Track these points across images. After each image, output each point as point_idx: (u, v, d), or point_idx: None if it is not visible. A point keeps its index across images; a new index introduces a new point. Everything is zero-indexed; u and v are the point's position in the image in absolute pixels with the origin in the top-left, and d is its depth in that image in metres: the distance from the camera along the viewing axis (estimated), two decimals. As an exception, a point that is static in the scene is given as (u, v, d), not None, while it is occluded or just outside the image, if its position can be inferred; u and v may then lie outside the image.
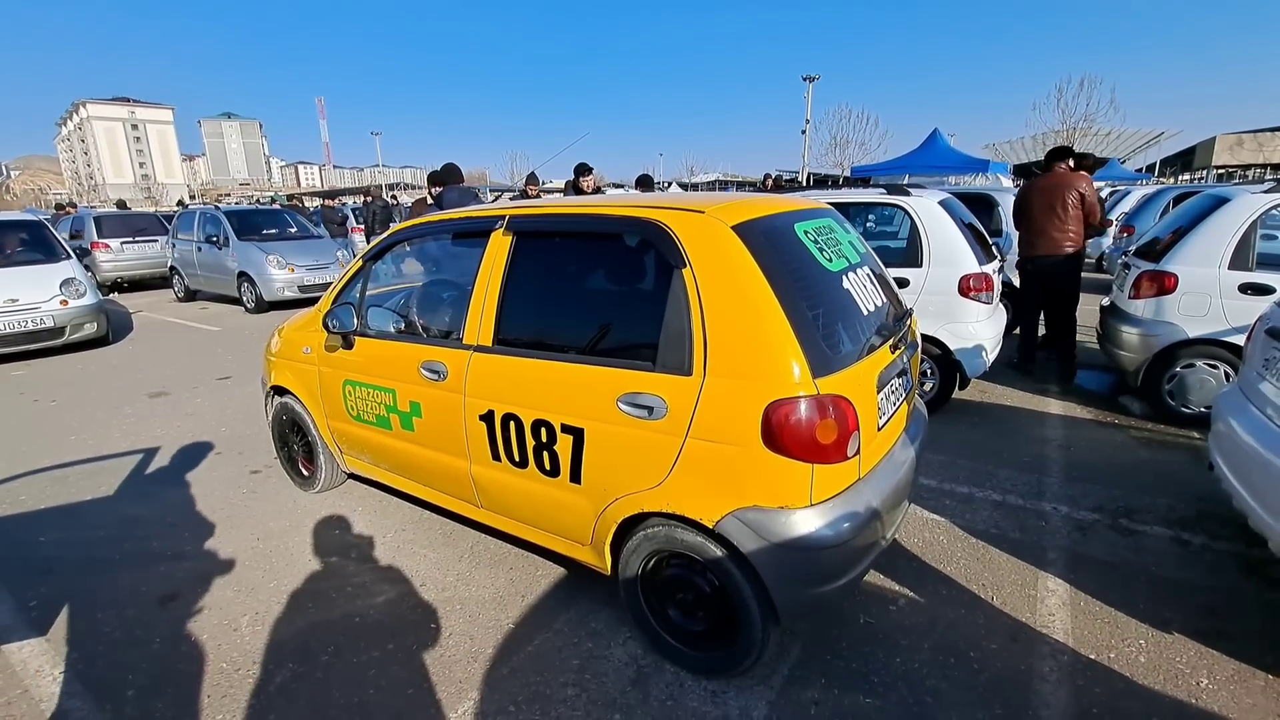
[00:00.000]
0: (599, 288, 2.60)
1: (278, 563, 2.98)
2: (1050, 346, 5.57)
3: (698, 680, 2.18)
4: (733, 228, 2.02)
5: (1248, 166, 34.74)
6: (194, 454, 4.29)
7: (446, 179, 6.08)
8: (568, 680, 2.21)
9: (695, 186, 39.79)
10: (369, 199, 12.60)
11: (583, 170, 7.65)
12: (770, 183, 14.29)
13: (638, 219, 2.17)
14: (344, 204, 19.28)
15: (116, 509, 3.54)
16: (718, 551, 1.99)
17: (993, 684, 2.14)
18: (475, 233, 2.70)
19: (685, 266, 2.01)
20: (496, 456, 2.49)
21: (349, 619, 2.56)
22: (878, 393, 2.12)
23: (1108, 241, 11.14)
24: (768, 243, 2.06)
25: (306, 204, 19.06)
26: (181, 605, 2.68)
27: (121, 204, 18.67)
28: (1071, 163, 5.18)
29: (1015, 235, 6.26)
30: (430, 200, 6.51)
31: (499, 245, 2.52)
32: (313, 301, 3.91)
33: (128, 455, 4.27)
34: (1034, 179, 5.25)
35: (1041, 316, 5.54)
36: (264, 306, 9.67)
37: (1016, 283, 6.17)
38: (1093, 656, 2.26)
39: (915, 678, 2.17)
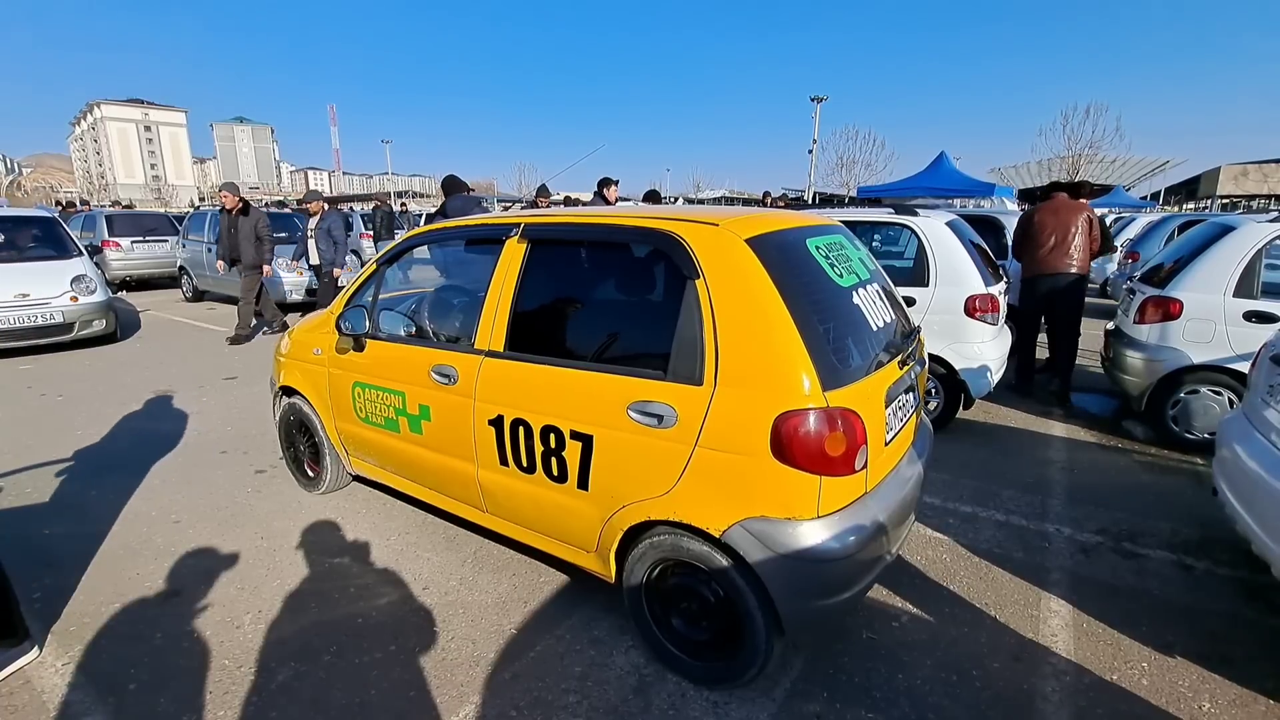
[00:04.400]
0: (611, 296, 2.64)
1: (281, 562, 2.99)
2: (1052, 369, 5.58)
3: (700, 690, 2.18)
4: (746, 241, 2.05)
5: (1252, 197, 34.92)
6: (199, 452, 4.31)
7: (449, 189, 6.22)
8: (569, 687, 2.21)
9: (701, 202, 40.02)
10: (377, 206, 12.80)
11: (607, 182, 7.92)
12: (770, 201, 14.36)
13: (652, 230, 2.20)
14: (352, 209, 19.50)
15: (121, 504, 3.55)
16: (723, 561, 2.00)
17: (995, 702, 2.14)
18: (489, 239, 2.74)
19: (699, 278, 2.04)
20: (504, 461, 2.50)
21: (351, 619, 2.57)
22: (886, 408, 2.13)
23: (1112, 267, 11.20)
24: (780, 256, 2.09)
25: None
26: (184, 602, 2.69)
27: (125, 204, 18.82)
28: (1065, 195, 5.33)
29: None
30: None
31: (513, 252, 2.55)
32: (319, 305, 3.94)
33: (133, 451, 4.29)
34: (1046, 202, 5.32)
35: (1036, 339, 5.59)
36: (271, 308, 9.72)
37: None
38: (1095, 678, 2.26)
39: (918, 694, 2.17)
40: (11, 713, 2.11)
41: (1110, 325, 5.05)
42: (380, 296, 3.16)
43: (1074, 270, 5.08)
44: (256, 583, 2.83)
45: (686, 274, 2.07)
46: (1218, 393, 4.18)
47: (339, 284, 7.88)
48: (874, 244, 5.90)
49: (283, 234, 10.75)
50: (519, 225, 2.59)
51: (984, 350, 4.39)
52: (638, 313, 2.55)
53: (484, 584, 2.81)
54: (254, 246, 7.66)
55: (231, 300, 10.78)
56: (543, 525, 2.52)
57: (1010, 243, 6.83)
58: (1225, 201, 34.76)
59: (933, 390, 4.56)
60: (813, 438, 1.84)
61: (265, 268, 7.81)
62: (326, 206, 8.13)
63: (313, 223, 8.05)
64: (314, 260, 8.17)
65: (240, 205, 7.74)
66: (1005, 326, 4.83)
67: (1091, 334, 5.37)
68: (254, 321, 7.94)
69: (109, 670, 2.30)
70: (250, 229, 7.63)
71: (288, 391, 3.62)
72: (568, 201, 11.07)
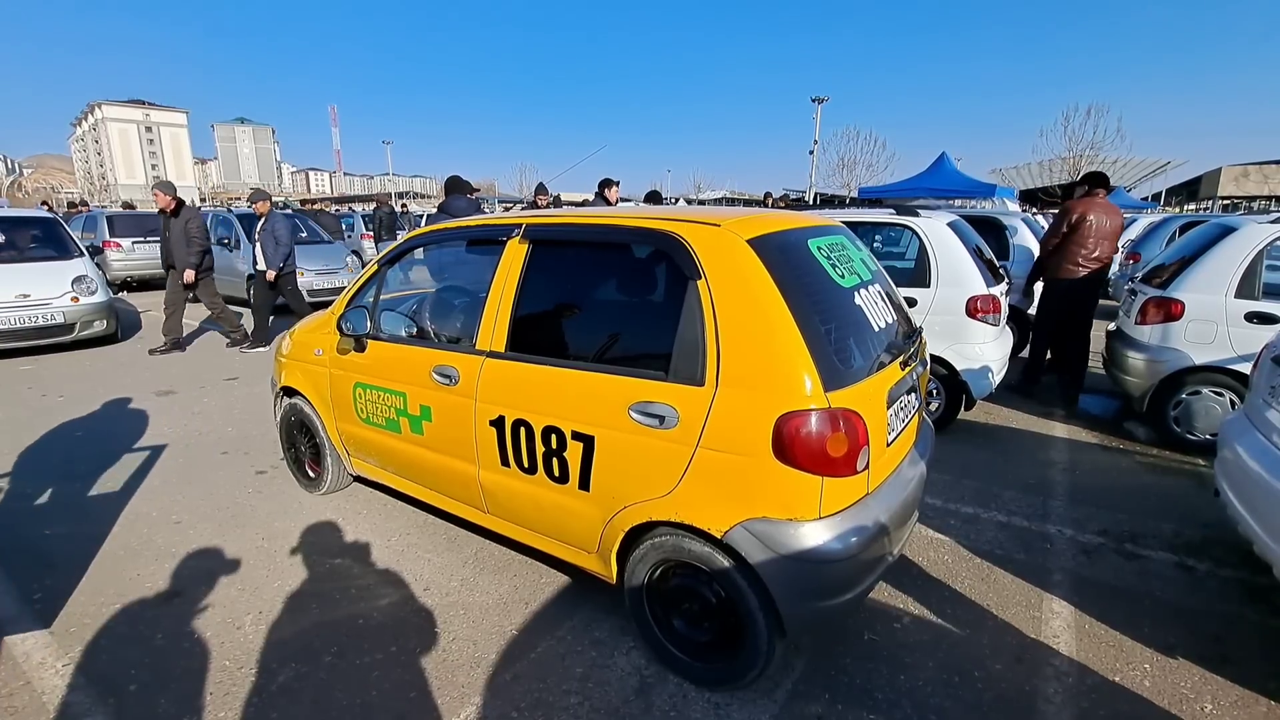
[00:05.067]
0: (612, 297, 2.63)
1: (282, 563, 2.99)
2: (1059, 370, 5.56)
3: (701, 692, 2.18)
4: (748, 241, 2.04)
5: (1253, 198, 34.90)
6: (200, 453, 4.31)
7: (451, 189, 6.23)
8: (570, 688, 2.20)
9: (702, 203, 40.06)
10: (378, 206, 12.83)
11: (608, 183, 7.90)
12: (770, 201, 14.38)
13: (654, 230, 2.20)
14: (352, 210, 19.56)
15: (122, 505, 3.55)
16: (725, 562, 2.00)
17: (997, 704, 2.13)
18: (491, 240, 2.74)
19: (700, 278, 2.03)
20: (505, 462, 2.50)
21: (352, 620, 2.57)
22: (887, 408, 2.13)
23: (1114, 267, 11.19)
24: (782, 257, 2.09)
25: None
26: (185, 602, 2.69)
27: (128, 205, 18.85)
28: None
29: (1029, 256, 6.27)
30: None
31: (514, 253, 2.55)
32: (320, 305, 3.94)
33: (134, 452, 4.29)
34: (1090, 197, 5.08)
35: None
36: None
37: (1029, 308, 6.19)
38: (1098, 679, 2.25)
39: (920, 695, 2.16)
40: (11, 713, 2.11)
41: (1112, 326, 5.04)
42: (381, 297, 3.16)
43: (1098, 272, 5.06)
44: (257, 583, 2.82)
45: (688, 274, 2.07)
46: (1219, 394, 4.18)
47: (275, 281, 7.40)
48: (875, 245, 5.90)
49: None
50: (520, 226, 2.59)
51: (985, 351, 4.39)
52: (639, 313, 2.55)
53: (485, 585, 2.81)
54: (184, 249, 7.03)
55: (231, 300, 10.79)
56: (544, 526, 2.52)
57: (1014, 243, 6.84)
58: (1226, 202, 34.74)
59: (934, 391, 4.55)
60: (814, 438, 1.84)
61: (187, 272, 7.06)
62: (270, 206, 7.49)
63: (259, 225, 7.35)
64: (260, 265, 7.34)
65: (174, 205, 7.07)
66: (1007, 328, 4.83)
67: (1093, 335, 5.36)
68: (238, 321, 7.75)
69: (109, 671, 2.29)
70: (180, 230, 6.97)
71: (289, 392, 3.62)
72: (557, 202, 11.08)
